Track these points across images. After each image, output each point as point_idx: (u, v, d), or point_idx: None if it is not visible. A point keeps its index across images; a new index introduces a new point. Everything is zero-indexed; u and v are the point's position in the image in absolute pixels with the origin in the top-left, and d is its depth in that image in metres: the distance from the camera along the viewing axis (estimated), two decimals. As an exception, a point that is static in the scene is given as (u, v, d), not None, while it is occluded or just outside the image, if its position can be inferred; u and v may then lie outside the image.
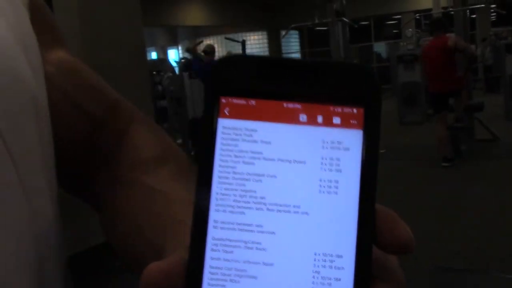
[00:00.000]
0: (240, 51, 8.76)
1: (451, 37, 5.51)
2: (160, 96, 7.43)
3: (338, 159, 0.25)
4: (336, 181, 0.25)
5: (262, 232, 0.25)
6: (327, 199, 0.25)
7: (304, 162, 0.25)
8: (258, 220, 0.25)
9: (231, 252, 0.25)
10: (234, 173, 0.25)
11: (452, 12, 6.78)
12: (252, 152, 0.25)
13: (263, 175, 0.25)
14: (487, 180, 4.87)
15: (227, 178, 0.25)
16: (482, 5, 9.90)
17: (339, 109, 0.25)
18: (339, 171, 0.25)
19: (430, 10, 12.04)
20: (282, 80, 0.25)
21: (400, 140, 7.63)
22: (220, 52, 18.52)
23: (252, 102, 0.26)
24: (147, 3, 9.48)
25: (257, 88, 0.25)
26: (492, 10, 9.96)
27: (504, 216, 3.77)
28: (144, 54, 3.85)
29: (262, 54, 18.12)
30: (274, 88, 0.25)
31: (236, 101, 0.26)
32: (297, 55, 20.12)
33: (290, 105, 0.25)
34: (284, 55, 19.73)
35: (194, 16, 15.83)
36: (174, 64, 8.42)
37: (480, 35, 16.21)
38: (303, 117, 0.25)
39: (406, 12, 17.79)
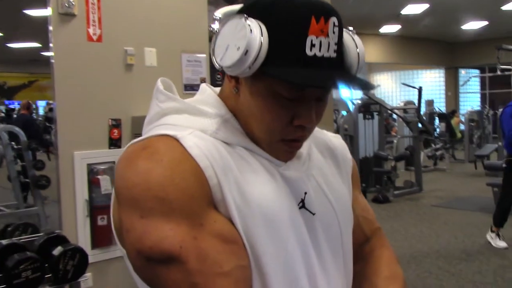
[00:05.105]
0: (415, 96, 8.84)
1: None
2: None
3: None
4: None
5: None
6: None
7: None
8: None
9: None
10: None
11: None
12: None
13: None
14: None
15: None
16: None
17: None
18: None
19: None
20: None
21: None
22: (394, 88, 18.41)
23: None
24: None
25: None
26: None
27: None
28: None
29: (438, 92, 17.44)
30: None
31: None
32: (476, 96, 19.05)
33: None
34: (461, 95, 18.90)
35: (369, 54, 16.10)
36: (349, 103, 8.89)
37: None
38: None
39: None
